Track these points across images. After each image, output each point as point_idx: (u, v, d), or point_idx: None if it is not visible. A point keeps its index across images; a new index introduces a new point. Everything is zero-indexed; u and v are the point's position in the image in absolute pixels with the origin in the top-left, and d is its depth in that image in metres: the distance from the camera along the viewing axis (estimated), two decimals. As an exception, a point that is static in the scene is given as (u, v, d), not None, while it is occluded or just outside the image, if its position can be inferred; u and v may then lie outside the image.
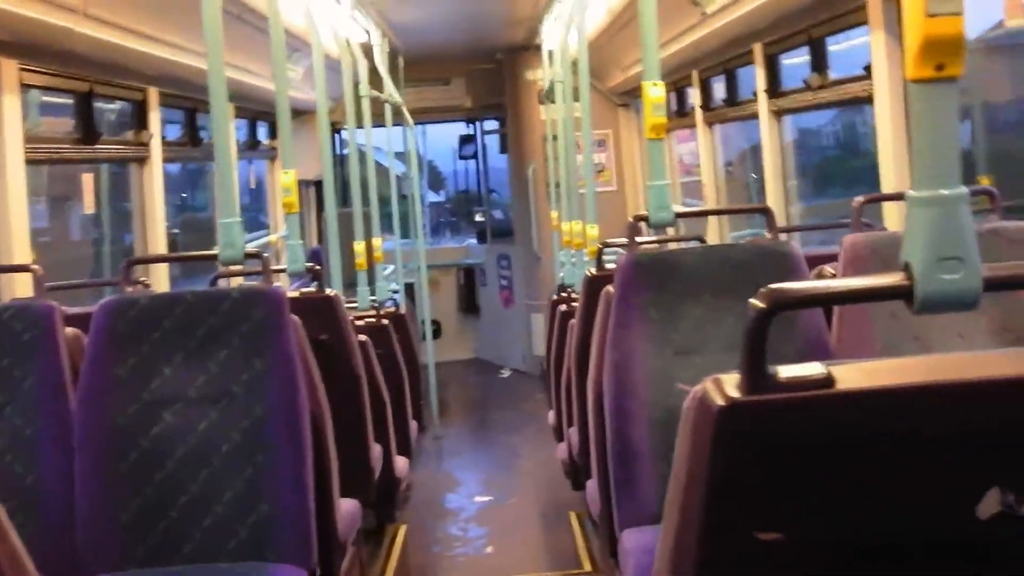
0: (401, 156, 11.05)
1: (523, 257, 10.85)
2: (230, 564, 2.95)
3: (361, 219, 6.73)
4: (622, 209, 9.78)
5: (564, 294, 6.30)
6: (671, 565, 1.32)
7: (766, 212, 3.59)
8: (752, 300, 1.24)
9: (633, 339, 3.12)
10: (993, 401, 1.24)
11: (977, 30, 4.73)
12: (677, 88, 7.81)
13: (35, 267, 3.66)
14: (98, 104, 5.15)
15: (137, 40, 4.78)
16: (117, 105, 5.64)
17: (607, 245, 4.86)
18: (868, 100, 4.57)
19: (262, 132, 8.29)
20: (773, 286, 1.25)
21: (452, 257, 12.28)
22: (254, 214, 8.63)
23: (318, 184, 9.30)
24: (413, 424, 6.36)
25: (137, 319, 3.08)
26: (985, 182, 4.53)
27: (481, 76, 11.17)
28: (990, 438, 1.25)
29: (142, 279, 5.04)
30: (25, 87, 4.37)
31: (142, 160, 5.62)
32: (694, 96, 7.31)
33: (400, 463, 5.43)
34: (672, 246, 4.75)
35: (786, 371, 1.22)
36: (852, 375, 1.23)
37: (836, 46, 5.21)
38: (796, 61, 5.61)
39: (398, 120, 9.04)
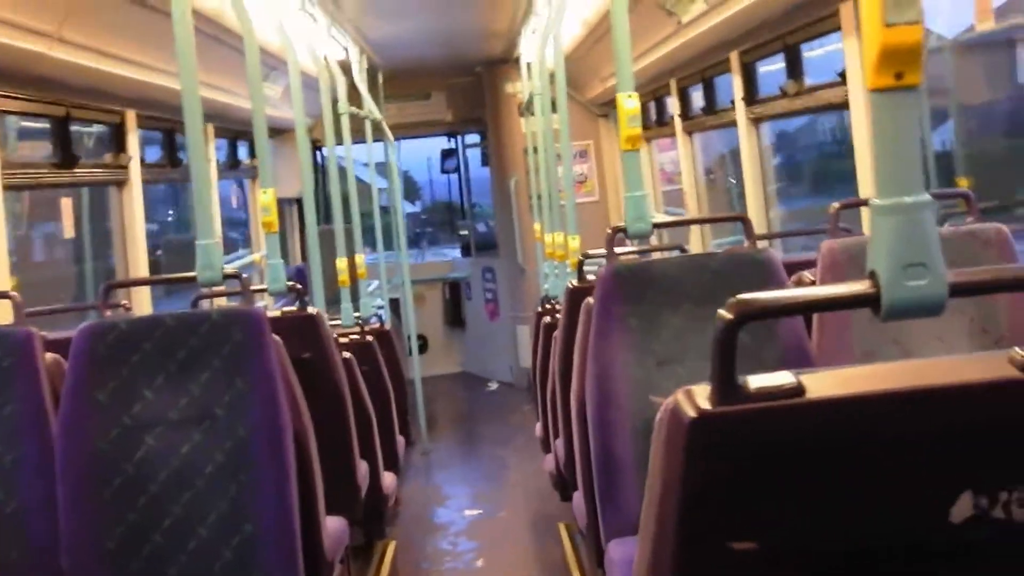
0: (380, 167, 11.08)
1: (508, 270, 10.86)
2: None
3: (343, 236, 6.72)
4: (605, 219, 9.80)
5: (548, 306, 6.31)
6: (649, 575, 1.33)
7: (743, 221, 3.61)
8: (720, 311, 1.25)
9: (614, 350, 3.13)
10: (964, 406, 1.25)
11: (953, 31, 4.77)
12: (656, 97, 7.84)
13: (14, 294, 3.64)
14: (76, 127, 5.14)
15: (113, 63, 4.78)
16: (95, 128, 5.63)
17: (588, 257, 4.87)
18: (844, 106, 4.59)
19: (244, 151, 8.29)
20: (740, 296, 1.26)
21: (437, 271, 12.28)
22: (245, 229, 8.64)
23: (300, 202, 9.30)
24: (400, 439, 6.36)
25: (116, 343, 3.07)
26: (963, 184, 4.56)
27: (461, 90, 11.18)
28: (962, 442, 1.26)
29: (123, 302, 5.03)
30: (1, 113, 4.36)
31: (121, 183, 5.61)
32: (673, 105, 7.34)
33: (388, 479, 5.43)
34: (655, 255, 4.76)
35: (757, 381, 1.22)
36: (823, 383, 1.23)
37: (812, 52, 5.24)
38: (773, 68, 5.64)
39: (379, 136, 9.04)
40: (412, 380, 8.51)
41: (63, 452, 3.01)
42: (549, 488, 5.52)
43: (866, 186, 4.46)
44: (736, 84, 5.91)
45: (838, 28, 4.53)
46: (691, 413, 1.21)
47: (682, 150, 7.31)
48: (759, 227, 5.19)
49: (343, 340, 5.60)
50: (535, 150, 8.45)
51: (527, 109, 8.79)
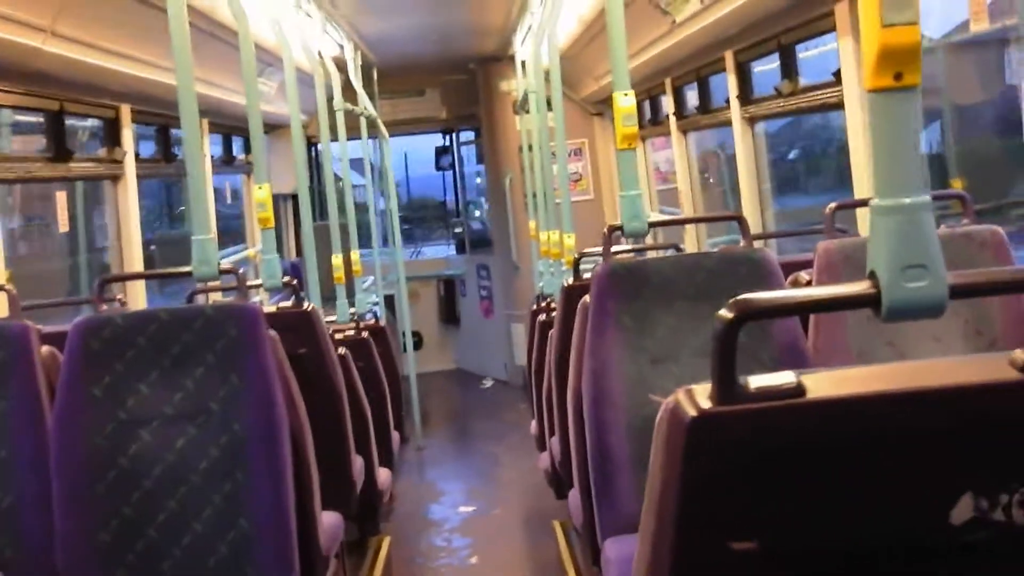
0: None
1: (502, 267, 10.86)
2: None
3: (338, 232, 6.72)
4: (600, 217, 9.81)
5: (543, 304, 6.31)
6: (648, 573, 1.33)
7: (739, 220, 3.61)
8: (720, 311, 1.25)
9: (609, 348, 3.13)
10: (965, 407, 1.25)
11: (940, 31, 4.76)
12: (650, 96, 7.84)
13: (9, 287, 3.64)
14: (71, 121, 5.13)
15: (107, 57, 4.77)
16: (89, 123, 5.62)
17: (584, 255, 4.87)
18: (839, 106, 4.60)
19: (238, 147, 8.28)
20: (741, 296, 1.26)
21: (431, 268, 12.28)
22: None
23: (294, 198, 9.29)
24: (395, 436, 6.36)
25: (111, 338, 3.07)
26: (957, 185, 4.56)
27: (455, 87, 11.18)
28: (963, 444, 1.26)
29: (119, 296, 5.02)
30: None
31: (116, 177, 5.60)
32: (667, 104, 7.34)
33: (382, 475, 5.43)
34: (650, 254, 4.76)
35: (757, 381, 1.22)
36: (823, 384, 1.23)
37: (807, 53, 5.25)
38: (768, 68, 5.65)
39: (373, 133, 9.03)
40: (407, 376, 8.50)
41: (58, 446, 3.01)
42: (543, 485, 5.52)
43: (861, 186, 4.47)
44: (731, 83, 5.92)
45: (833, 28, 4.54)
46: (692, 412, 1.21)
47: (677, 149, 7.31)
48: (754, 227, 5.20)
49: (338, 336, 5.60)
50: (530, 148, 8.45)
51: (522, 107, 8.79)
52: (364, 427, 5.00)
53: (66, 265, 6.28)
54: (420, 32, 8.76)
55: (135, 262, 5.64)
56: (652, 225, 3.63)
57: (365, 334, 6.10)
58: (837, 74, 4.57)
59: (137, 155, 5.80)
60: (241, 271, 3.53)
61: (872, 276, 1.29)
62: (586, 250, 5.04)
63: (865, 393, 1.23)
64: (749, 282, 3.10)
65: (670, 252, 5.03)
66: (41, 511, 3.06)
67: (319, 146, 9.88)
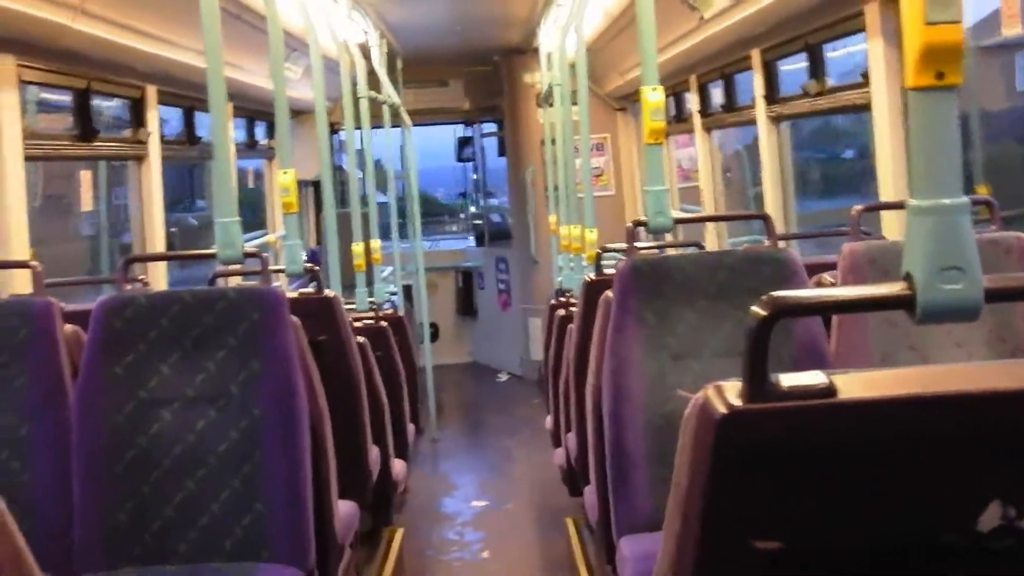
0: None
1: (521, 261, 10.85)
2: (226, 564, 2.95)
3: (360, 220, 6.72)
4: (620, 213, 9.79)
5: (562, 299, 6.30)
6: (672, 573, 1.32)
7: (765, 219, 3.59)
8: (754, 307, 1.24)
9: (630, 344, 3.12)
10: (992, 413, 1.24)
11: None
12: (675, 93, 7.81)
13: (34, 263, 3.64)
14: (96, 101, 5.14)
15: (135, 37, 4.78)
16: (115, 102, 5.63)
17: (606, 250, 4.86)
18: (866, 107, 4.57)
19: (260, 132, 8.29)
20: (775, 294, 1.25)
21: (450, 260, 12.28)
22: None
23: (316, 184, 9.30)
24: (410, 427, 6.36)
25: (134, 318, 3.07)
26: (983, 191, 4.53)
27: (479, 78, 11.17)
28: (992, 450, 1.25)
29: (141, 277, 5.04)
30: (23, 83, 4.36)
31: (140, 158, 5.61)
32: (692, 101, 7.32)
33: (398, 466, 5.42)
34: (671, 251, 4.75)
35: (788, 379, 1.21)
36: (853, 385, 1.22)
37: (834, 52, 5.22)
38: (795, 67, 5.62)
39: (395, 122, 9.03)
40: (423, 368, 8.50)
41: (78, 424, 3.02)
42: (556, 482, 5.51)
43: (887, 189, 4.44)
44: (757, 82, 5.89)
45: (862, 29, 4.51)
46: (722, 409, 1.20)
47: (700, 147, 7.29)
48: (777, 228, 5.17)
49: (357, 325, 5.60)
50: (552, 141, 8.44)
51: (545, 100, 8.77)
52: (381, 417, 5.00)
53: (85, 246, 6.31)
54: (445, 22, 8.75)
55: (158, 243, 5.66)
56: (677, 222, 3.62)
57: (384, 323, 6.10)
58: (865, 75, 4.54)
59: (162, 136, 5.81)
60: (264, 255, 3.53)
61: (907, 277, 1.27)
62: (608, 245, 5.02)
63: (896, 396, 1.22)
64: (773, 282, 3.08)
65: (691, 250, 5.01)
66: (59, 488, 3.07)
67: (341, 134, 9.89)
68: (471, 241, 12.65)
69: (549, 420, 6.06)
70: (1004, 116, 5.26)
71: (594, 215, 5.69)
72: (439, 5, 8.08)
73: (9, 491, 3.12)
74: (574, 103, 6.36)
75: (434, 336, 10.21)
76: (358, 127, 7.25)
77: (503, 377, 11.02)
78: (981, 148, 5.10)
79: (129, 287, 3.64)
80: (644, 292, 3.15)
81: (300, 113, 8.63)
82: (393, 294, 8.04)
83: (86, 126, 4.99)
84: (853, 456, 1.24)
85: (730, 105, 6.69)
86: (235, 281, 5.27)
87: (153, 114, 5.62)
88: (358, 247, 6.54)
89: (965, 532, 1.25)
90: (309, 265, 4.63)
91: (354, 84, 7.22)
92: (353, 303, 6.25)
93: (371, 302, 6.49)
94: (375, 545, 5.39)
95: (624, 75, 8.53)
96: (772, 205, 5.87)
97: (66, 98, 4.97)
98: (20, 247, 4.20)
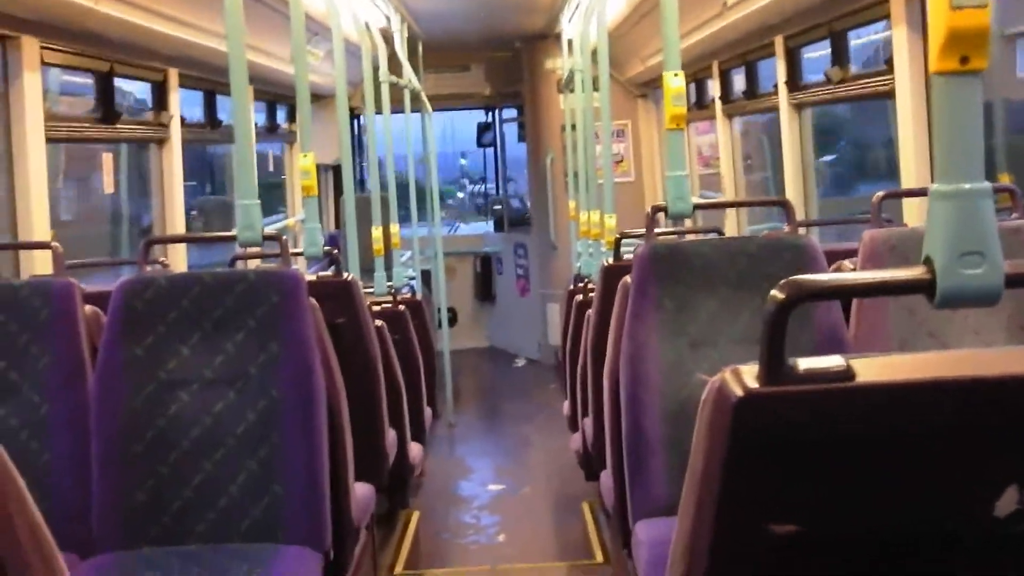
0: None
1: (539, 246, 10.85)
2: (243, 545, 2.96)
3: (379, 204, 6.73)
4: (639, 200, 9.77)
5: (581, 284, 6.29)
6: (687, 555, 1.32)
7: (785, 206, 3.58)
8: (773, 291, 1.24)
9: (648, 330, 3.11)
10: (1011, 398, 1.23)
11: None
12: (696, 79, 7.78)
13: (55, 244, 3.66)
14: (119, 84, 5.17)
15: (157, 20, 4.79)
16: (137, 86, 5.65)
17: (625, 236, 4.85)
18: (889, 95, 4.54)
19: (280, 116, 8.31)
20: (794, 277, 1.24)
21: (469, 245, 12.28)
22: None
23: (335, 169, 9.31)
24: (427, 411, 6.37)
25: (155, 299, 3.09)
26: (1005, 179, 4.50)
27: (499, 64, 11.15)
28: (1008, 435, 1.25)
29: (161, 259, 5.06)
30: (46, 65, 4.38)
31: (162, 141, 5.63)
32: (713, 88, 7.29)
33: (414, 449, 5.44)
34: (690, 237, 4.73)
35: (806, 363, 1.21)
36: (871, 369, 1.22)
37: (856, 40, 5.19)
38: (818, 54, 5.59)
39: (416, 107, 9.03)
40: (440, 352, 8.51)
41: (98, 405, 3.04)
42: (572, 466, 5.51)
43: (909, 176, 4.42)
44: (779, 69, 5.86)
45: (887, 16, 4.48)
46: (739, 392, 1.20)
47: (722, 134, 7.26)
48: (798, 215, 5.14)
49: (375, 308, 5.61)
50: (573, 127, 8.41)
51: (566, 86, 8.75)
52: (398, 400, 5.01)
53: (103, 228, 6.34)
54: (466, 6, 8.74)
55: (178, 225, 5.68)
56: (697, 207, 3.61)
57: (402, 307, 6.11)
58: (889, 62, 4.51)
59: (183, 119, 5.83)
60: (284, 238, 3.54)
61: (927, 261, 1.27)
62: (627, 231, 5.01)
63: (914, 380, 1.22)
64: (792, 269, 3.06)
65: (711, 236, 4.99)
66: (77, 469, 3.09)
67: (361, 118, 9.89)
68: (490, 226, 12.63)
69: (566, 405, 6.06)
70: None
71: (613, 201, 5.68)
72: (463, -10, 8.08)
73: (28, 471, 3.13)
74: (595, 89, 6.34)
75: (452, 321, 10.22)
76: (378, 112, 7.25)
77: (520, 362, 11.02)
78: (1004, 136, 5.07)
79: (149, 268, 3.66)
80: (663, 278, 3.15)
81: (319, 97, 8.64)
82: (412, 278, 8.05)
83: (108, 109, 5.01)
84: (870, 440, 1.24)
85: (752, 92, 6.66)
86: (254, 263, 5.30)
87: (175, 97, 5.64)
88: (377, 231, 6.56)
89: (981, 517, 1.25)
90: (328, 248, 4.64)
91: (375, 69, 7.21)
92: (371, 287, 6.26)
93: (389, 286, 6.50)
94: (391, 528, 5.41)
95: (645, 61, 8.50)
96: (793, 192, 5.85)
97: (86, 80, 4.99)
98: (41, 228, 4.22)
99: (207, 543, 2.98)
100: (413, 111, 8.83)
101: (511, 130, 11.97)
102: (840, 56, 5.18)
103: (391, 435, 4.72)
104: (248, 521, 2.99)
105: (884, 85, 4.62)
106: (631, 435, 3.07)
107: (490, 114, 12.04)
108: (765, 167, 7.35)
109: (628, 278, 3.24)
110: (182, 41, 5.14)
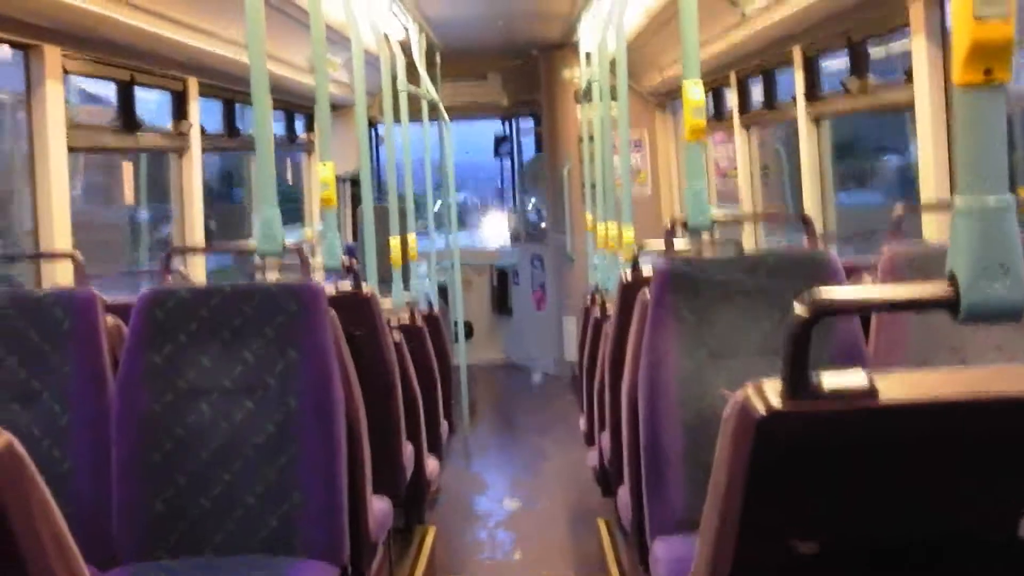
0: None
1: (556, 258, 10.81)
2: (261, 556, 2.96)
3: (397, 215, 6.72)
4: (657, 212, 9.73)
5: (598, 297, 6.28)
6: (709, 572, 1.31)
7: (804, 220, 3.57)
8: (796, 306, 1.23)
9: (667, 342, 3.10)
10: None
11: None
12: (714, 90, 7.77)
13: (76, 253, 3.68)
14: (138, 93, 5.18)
15: (178, 29, 4.81)
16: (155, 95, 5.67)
17: (643, 248, 4.83)
18: (909, 106, 4.52)
19: (298, 126, 8.33)
20: (817, 292, 1.24)
21: (485, 257, 12.26)
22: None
23: (353, 180, 9.31)
24: (444, 424, 6.35)
25: (176, 309, 3.10)
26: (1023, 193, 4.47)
27: (517, 73, 11.14)
28: None
29: (180, 268, 5.08)
30: (67, 73, 4.40)
31: (181, 150, 5.65)
32: (731, 98, 7.27)
33: (431, 463, 5.42)
34: (708, 250, 4.72)
35: (829, 380, 1.20)
36: (895, 386, 1.21)
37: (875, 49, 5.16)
38: (836, 65, 5.57)
39: (434, 117, 9.03)
40: (457, 366, 8.49)
41: (119, 414, 3.05)
42: (588, 482, 5.48)
43: (928, 189, 4.39)
44: (798, 79, 5.83)
45: (907, 26, 4.46)
46: (762, 409, 1.19)
47: (739, 145, 7.24)
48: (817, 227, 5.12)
49: (392, 321, 5.61)
50: (591, 138, 8.40)
51: (584, 96, 8.74)
52: (415, 414, 5.00)
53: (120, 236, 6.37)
54: (484, 16, 8.74)
55: (197, 235, 5.69)
56: (716, 221, 3.59)
57: (420, 321, 6.10)
58: (909, 73, 4.49)
59: (203, 129, 5.85)
60: (303, 249, 3.54)
61: (951, 277, 1.26)
62: (646, 241, 5.00)
63: (939, 398, 1.21)
64: (811, 283, 3.03)
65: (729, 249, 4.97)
66: (98, 478, 3.10)
67: (379, 128, 9.91)
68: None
69: (583, 420, 6.04)
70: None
71: (631, 213, 5.66)
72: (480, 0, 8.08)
73: (50, 479, 3.14)
74: (613, 99, 6.33)
75: (468, 334, 10.18)
76: (397, 121, 7.26)
77: (537, 376, 10.99)
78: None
79: (170, 278, 3.68)
80: (682, 290, 3.14)
81: (337, 108, 8.66)
82: (429, 291, 8.04)
83: (129, 118, 5.03)
84: (893, 458, 1.23)
85: (770, 103, 6.64)
86: (273, 274, 5.30)
87: (194, 106, 5.66)
88: (395, 242, 6.55)
89: (1004, 534, 1.24)
90: (347, 259, 4.64)
91: (394, 79, 7.22)
92: (389, 299, 6.26)
93: (406, 296, 6.50)
94: (408, 543, 5.39)
95: (663, 72, 8.49)
96: (811, 205, 5.82)
97: (106, 92, 5.01)
98: (63, 238, 4.24)
99: (224, 554, 2.99)
100: (431, 121, 8.84)
101: (528, 142, 11.97)
102: (859, 66, 5.16)
103: (408, 448, 4.71)
104: (265, 532, 2.99)
105: (904, 96, 4.58)
106: (649, 448, 3.05)
107: (506, 124, 12.03)
108: (782, 176, 7.32)
109: (646, 291, 3.23)
110: (202, 51, 5.16)
